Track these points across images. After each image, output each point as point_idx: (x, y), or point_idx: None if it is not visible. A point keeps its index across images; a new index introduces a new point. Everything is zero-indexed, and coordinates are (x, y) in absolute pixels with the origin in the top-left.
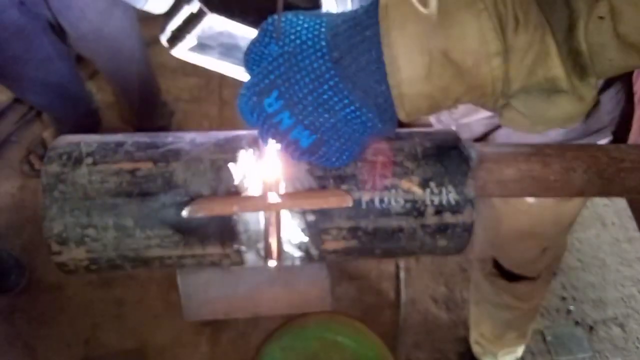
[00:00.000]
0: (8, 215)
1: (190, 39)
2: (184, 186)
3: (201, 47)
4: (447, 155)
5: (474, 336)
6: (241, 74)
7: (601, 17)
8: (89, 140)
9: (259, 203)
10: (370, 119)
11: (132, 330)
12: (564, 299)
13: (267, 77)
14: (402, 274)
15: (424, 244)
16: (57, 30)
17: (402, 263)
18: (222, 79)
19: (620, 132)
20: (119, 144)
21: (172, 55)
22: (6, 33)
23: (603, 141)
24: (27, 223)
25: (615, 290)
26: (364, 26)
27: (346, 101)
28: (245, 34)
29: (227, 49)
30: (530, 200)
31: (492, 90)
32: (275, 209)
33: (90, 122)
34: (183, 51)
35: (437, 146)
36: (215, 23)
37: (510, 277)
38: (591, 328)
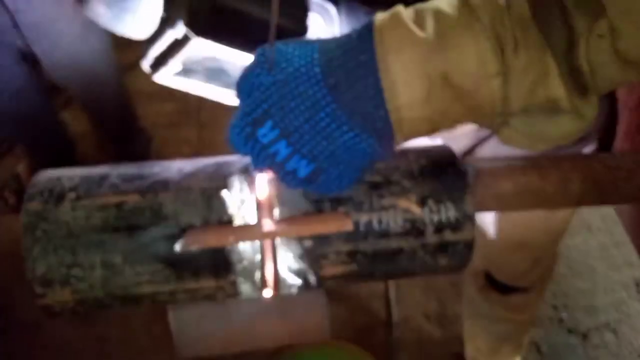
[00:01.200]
0: None
1: (175, 64)
2: (174, 218)
3: (186, 72)
4: (444, 171)
5: (469, 351)
6: (225, 97)
7: (601, 36)
8: (71, 174)
9: (255, 232)
10: (370, 144)
11: None
12: (555, 307)
13: (260, 106)
14: (392, 292)
15: (425, 263)
16: (30, 60)
17: (392, 281)
18: (200, 102)
19: (605, 139)
20: (103, 177)
21: (147, 81)
22: None
23: (588, 148)
24: (3, 260)
25: (605, 296)
26: (359, 51)
27: (345, 128)
28: (231, 57)
29: (212, 73)
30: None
31: (491, 111)
32: (273, 236)
33: (65, 152)
34: (166, 77)
35: (433, 163)
36: (200, 47)
37: (503, 289)
38: (584, 335)
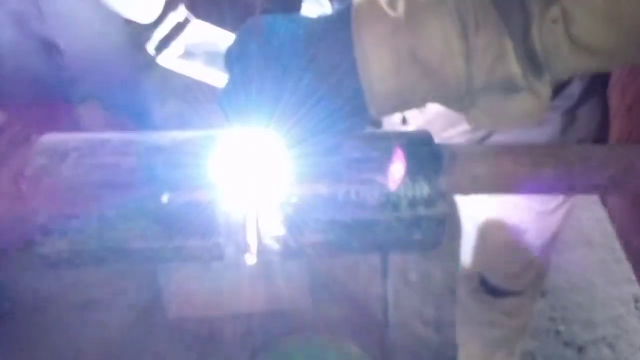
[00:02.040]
0: None
1: (177, 46)
2: (166, 180)
3: (187, 55)
4: (420, 151)
5: (463, 357)
6: (223, 82)
7: (554, 21)
8: (76, 137)
9: (239, 187)
10: (345, 114)
11: (116, 355)
12: (553, 320)
13: (247, 73)
14: (390, 295)
15: (400, 237)
16: (53, 50)
17: (390, 284)
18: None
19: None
20: (105, 141)
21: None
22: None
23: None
24: (13, 246)
25: (604, 311)
26: (338, 27)
27: (322, 96)
28: (228, 40)
29: (211, 57)
30: (514, 214)
31: (456, 88)
32: (256, 197)
33: None
34: (170, 59)
35: (411, 143)
36: (200, 30)
37: (497, 293)
38: (581, 349)
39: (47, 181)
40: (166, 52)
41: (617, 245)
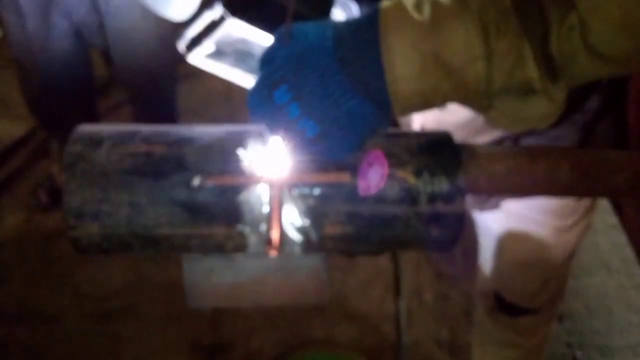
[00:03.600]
0: (12, 247)
1: (209, 44)
2: (195, 168)
3: (217, 53)
4: (440, 148)
5: None
6: (249, 82)
7: (571, 28)
8: (109, 128)
9: (264, 177)
10: (370, 112)
11: None
12: (570, 345)
13: (278, 72)
14: (403, 315)
15: (418, 232)
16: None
17: (403, 304)
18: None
19: None
20: (137, 132)
21: None
22: (55, 62)
23: None
24: (30, 255)
25: (621, 338)
26: (366, 30)
27: (349, 95)
28: (261, 40)
29: (241, 56)
30: (531, 230)
31: (475, 90)
32: (280, 182)
33: None
34: (199, 58)
35: (430, 141)
36: (234, 28)
37: (512, 311)
38: None
39: (82, 166)
40: (197, 50)
41: (636, 270)
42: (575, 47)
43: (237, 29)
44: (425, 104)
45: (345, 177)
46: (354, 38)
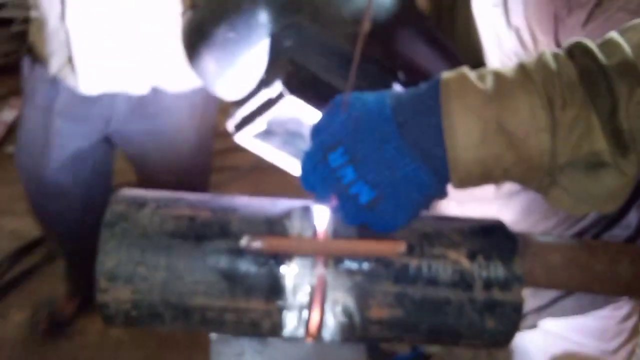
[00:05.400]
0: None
1: (261, 122)
2: (239, 236)
3: (266, 133)
4: (493, 232)
5: None
6: (293, 167)
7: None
8: (153, 192)
9: (313, 244)
10: (427, 179)
11: None
12: None
13: (335, 136)
14: None
15: (472, 322)
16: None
17: None
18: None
19: None
20: (181, 197)
21: None
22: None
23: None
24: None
25: None
26: (427, 97)
27: (407, 160)
28: (314, 121)
29: (290, 137)
30: (576, 352)
31: (539, 163)
32: (328, 251)
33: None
34: (247, 137)
35: (482, 225)
36: (290, 106)
37: None
38: None
39: (122, 225)
40: (247, 128)
41: None
42: None
43: (293, 108)
44: (484, 176)
45: (400, 247)
46: (414, 104)
